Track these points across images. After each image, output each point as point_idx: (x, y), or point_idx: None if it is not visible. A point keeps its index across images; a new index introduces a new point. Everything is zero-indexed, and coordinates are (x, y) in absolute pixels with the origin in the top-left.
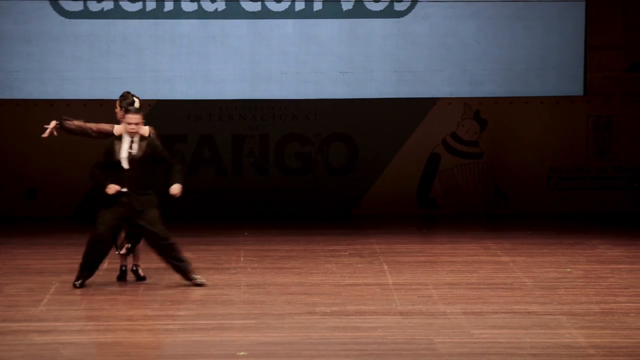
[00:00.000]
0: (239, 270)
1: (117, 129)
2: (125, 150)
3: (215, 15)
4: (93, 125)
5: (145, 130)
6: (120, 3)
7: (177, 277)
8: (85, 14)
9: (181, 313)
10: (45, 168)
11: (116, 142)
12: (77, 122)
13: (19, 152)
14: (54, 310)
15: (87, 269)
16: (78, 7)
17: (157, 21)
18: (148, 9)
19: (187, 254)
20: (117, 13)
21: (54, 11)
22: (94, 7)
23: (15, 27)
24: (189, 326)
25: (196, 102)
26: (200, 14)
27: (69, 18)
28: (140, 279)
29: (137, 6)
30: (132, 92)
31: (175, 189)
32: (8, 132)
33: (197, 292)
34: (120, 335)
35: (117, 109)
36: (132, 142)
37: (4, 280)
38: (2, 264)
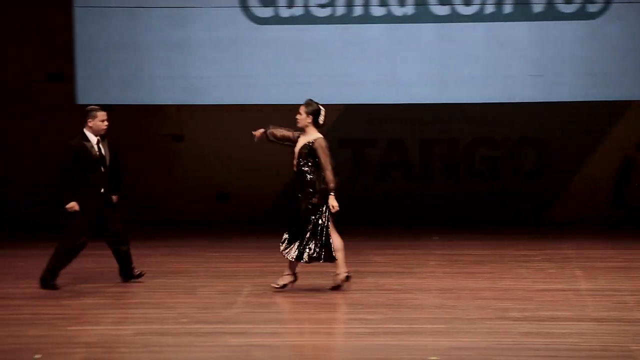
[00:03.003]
0: (429, 274)
1: (297, 135)
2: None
3: (404, 19)
4: (292, 134)
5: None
6: (310, 9)
7: (367, 281)
8: (276, 20)
9: (371, 317)
10: (235, 172)
11: (86, 143)
12: (282, 132)
13: (211, 157)
14: (247, 312)
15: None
16: (268, 13)
17: (346, 26)
18: (337, 14)
19: (377, 258)
20: (307, 19)
21: (245, 17)
22: (284, 13)
23: (208, 33)
24: (379, 330)
25: (385, 107)
26: (389, 18)
27: (260, 24)
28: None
29: (327, 12)
30: (323, 97)
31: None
32: (200, 137)
33: (388, 296)
34: (311, 338)
35: (302, 116)
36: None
37: (198, 282)
38: (196, 267)
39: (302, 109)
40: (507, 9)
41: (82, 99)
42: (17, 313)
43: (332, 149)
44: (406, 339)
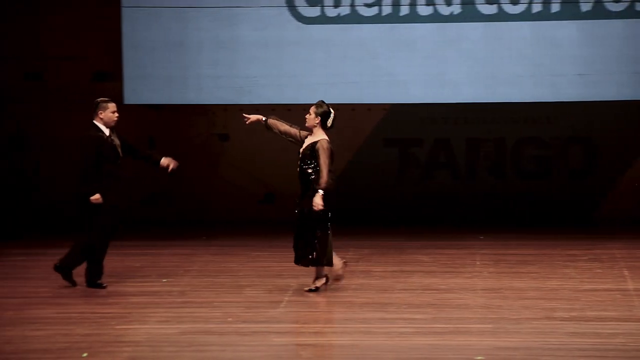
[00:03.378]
0: (474, 274)
1: (304, 134)
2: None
3: (451, 18)
4: (297, 131)
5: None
6: (357, 8)
7: (413, 280)
8: (322, 19)
9: (417, 316)
10: (282, 173)
11: (101, 135)
12: (285, 126)
13: (257, 157)
14: (292, 312)
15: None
16: (315, 13)
17: (392, 25)
18: (384, 13)
19: (423, 258)
20: (353, 18)
21: (291, 17)
22: (330, 12)
23: (254, 33)
24: (425, 329)
25: (431, 106)
26: (436, 17)
27: (306, 24)
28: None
29: (373, 11)
30: (370, 96)
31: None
32: (246, 137)
33: (433, 296)
34: (356, 337)
35: (312, 116)
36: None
37: (244, 282)
38: (242, 266)
39: (312, 110)
40: (555, 7)
41: (129, 99)
42: (65, 312)
43: (334, 152)
44: (452, 338)
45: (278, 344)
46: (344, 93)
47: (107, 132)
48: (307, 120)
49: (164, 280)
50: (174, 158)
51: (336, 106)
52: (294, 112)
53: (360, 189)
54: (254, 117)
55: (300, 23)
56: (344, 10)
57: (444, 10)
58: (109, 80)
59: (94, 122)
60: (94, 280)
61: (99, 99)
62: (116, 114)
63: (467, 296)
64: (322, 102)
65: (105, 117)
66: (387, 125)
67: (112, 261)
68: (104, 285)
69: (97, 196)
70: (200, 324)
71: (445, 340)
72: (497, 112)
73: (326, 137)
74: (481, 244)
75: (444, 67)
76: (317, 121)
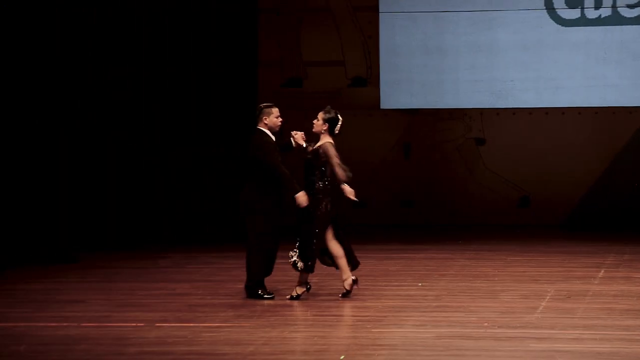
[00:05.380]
0: None
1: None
2: None
3: None
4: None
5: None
6: (619, 9)
7: None
8: (582, 21)
9: None
10: (537, 176)
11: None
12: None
13: (513, 161)
14: (550, 317)
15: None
16: (575, 15)
17: None
18: None
19: None
20: (615, 19)
21: (550, 20)
22: (591, 14)
23: (514, 36)
24: None
25: None
26: None
27: (565, 26)
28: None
29: (636, 12)
30: (632, 99)
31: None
32: (502, 141)
33: None
34: (617, 345)
35: (319, 122)
36: None
37: (500, 286)
38: (498, 271)
39: (320, 115)
40: None
41: (385, 104)
42: (322, 314)
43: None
44: None
45: (535, 349)
46: (604, 96)
47: (273, 137)
48: (314, 125)
49: (420, 284)
50: (429, 163)
51: (595, 110)
52: (551, 116)
53: (619, 195)
54: (299, 137)
55: (559, 26)
56: (605, 11)
57: None
58: (366, 86)
59: (259, 127)
60: (256, 291)
61: (262, 104)
62: (280, 119)
63: None
64: (330, 108)
65: (270, 122)
66: None
67: (368, 265)
68: (269, 294)
69: (304, 198)
70: (456, 329)
71: None
72: None
73: (330, 141)
74: None
75: None
76: (325, 127)
